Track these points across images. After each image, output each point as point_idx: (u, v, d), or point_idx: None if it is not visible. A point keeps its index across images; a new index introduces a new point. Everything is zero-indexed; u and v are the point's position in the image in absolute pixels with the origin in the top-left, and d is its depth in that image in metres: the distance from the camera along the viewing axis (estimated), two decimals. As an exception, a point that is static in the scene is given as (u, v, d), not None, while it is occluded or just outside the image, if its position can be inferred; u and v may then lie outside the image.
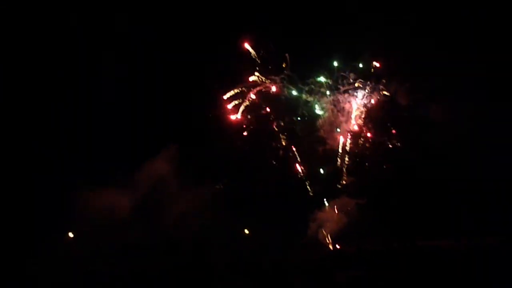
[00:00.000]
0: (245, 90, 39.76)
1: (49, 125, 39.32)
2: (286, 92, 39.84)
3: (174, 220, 37.17)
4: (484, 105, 36.39)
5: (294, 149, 39.37)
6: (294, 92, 39.92)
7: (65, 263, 33.21)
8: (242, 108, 39.88)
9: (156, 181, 38.30)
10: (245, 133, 39.53)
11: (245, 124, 40.10)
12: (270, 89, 39.70)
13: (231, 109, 39.85)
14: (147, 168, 38.47)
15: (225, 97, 39.60)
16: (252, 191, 38.58)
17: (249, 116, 40.13)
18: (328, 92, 39.79)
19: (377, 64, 39.23)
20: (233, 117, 39.50)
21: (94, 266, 34.14)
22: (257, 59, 39.72)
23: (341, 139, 39.33)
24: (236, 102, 39.62)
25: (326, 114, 39.69)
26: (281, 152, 39.39)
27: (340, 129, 39.61)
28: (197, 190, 38.00)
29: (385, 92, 39.28)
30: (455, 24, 38.57)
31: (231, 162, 39.70)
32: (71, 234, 36.92)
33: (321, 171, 39.37)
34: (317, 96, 40.08)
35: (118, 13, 40.11)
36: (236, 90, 39.46)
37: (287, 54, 39.20)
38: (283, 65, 39.39)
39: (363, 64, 39.37)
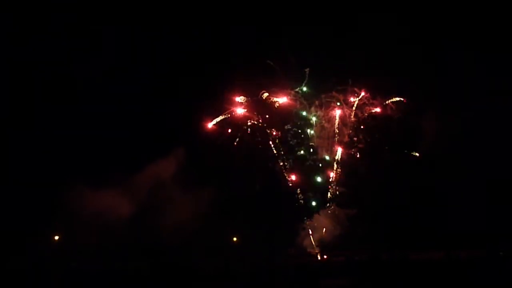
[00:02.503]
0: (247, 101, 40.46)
1: (51, 127, 39.76)
2: (298, 105, 40.68)
3: (167, 224, 37.37)
4: (477, 118, 36.63)
5: (286, 158, 39.87)
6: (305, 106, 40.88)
7: (51, 263, 33.26)
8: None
9: (152, 186, 38.56)
10: (237, 142, 40.06)
11: (239, 133, 40.71)
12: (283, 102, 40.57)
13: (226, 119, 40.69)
14: (146, 172, 38.68)
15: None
16: (242, 198, 38.97)
17: (245, 127, 40.74)
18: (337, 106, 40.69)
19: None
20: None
21: (81, 266, 34.17)
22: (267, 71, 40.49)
23: (338, 150, 39.89)
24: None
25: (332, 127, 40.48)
26: (273, 161, 39.83)
27: (336, 140, 40.03)
28: (191, 197, 38.33)
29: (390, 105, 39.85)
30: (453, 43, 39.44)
31: (224, 170, 40.12)
32: (56, 237, 37.32)
33: (312, 181, 39.77)
34: (326, 110, 40.70)
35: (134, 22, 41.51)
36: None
37: (306, 69, 40.15)
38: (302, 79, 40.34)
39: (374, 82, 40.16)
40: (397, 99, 40.46)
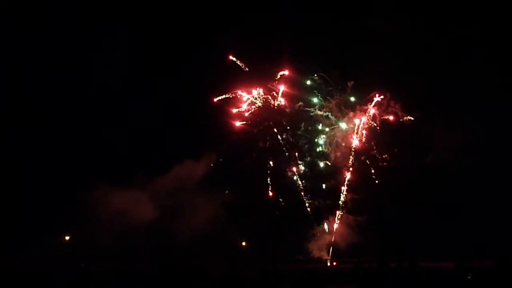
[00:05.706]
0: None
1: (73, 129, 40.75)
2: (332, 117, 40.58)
3: (181, 228, 37.65)
4: (488, 127, 36.36)
5: (297, 162, 39.63)
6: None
7: (58, 262, 33.53)
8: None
9: (171, 190, 38.98)
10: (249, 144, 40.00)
11: (250, 138, 40.63)
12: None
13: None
14: (167, 176, 39.36)
15: None
16: (252, 203, 38.82)
17: (254, 131, 40.65)
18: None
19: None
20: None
21: (90, 267, 34.39)
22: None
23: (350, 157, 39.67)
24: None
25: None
26: (283, 165, 39.62)
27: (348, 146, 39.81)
28: (205, 201, 38.48)
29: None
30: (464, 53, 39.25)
31: (234, 174, 40.05)
32: (67, 237, 37.49)
33: (324, 186, 39.51)
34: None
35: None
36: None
37: (350, 82, 40.07)
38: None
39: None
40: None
